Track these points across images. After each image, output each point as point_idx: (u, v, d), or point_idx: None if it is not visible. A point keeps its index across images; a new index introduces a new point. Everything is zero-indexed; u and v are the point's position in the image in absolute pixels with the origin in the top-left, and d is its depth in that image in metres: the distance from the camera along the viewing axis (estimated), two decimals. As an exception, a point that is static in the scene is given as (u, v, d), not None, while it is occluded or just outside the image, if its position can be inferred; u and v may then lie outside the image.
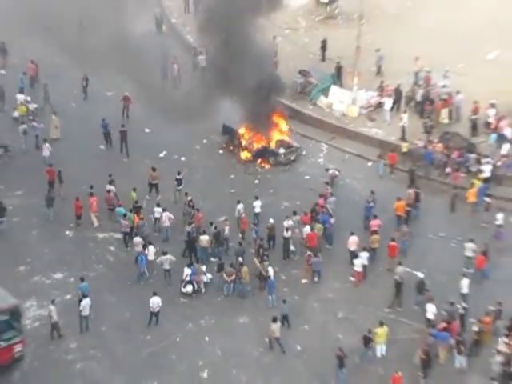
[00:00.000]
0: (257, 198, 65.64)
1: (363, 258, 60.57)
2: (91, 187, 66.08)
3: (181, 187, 66.91)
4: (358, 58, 79.53)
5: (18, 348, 46.97)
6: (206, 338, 57.00)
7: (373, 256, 61.96)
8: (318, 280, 61.51)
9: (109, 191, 65.93)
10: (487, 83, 76.17)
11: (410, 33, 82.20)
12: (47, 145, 70.05)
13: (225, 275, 59.65)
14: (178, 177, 67.23)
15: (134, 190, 65.92)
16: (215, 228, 62.52)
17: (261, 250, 61.85)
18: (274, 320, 55.34)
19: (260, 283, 59.99)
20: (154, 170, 68.54)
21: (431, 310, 56.46)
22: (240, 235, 63.83)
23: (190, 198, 65.91)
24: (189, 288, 59.46)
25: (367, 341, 54.67)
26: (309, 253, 61.79)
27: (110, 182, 66.23)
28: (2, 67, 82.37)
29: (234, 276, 59.74)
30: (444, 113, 74.55)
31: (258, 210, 65.22)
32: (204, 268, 60.47)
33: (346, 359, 52.39)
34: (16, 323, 47.42)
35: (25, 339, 48.99)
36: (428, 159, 70.46)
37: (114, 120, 74.19)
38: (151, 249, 60.63)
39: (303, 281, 61.37)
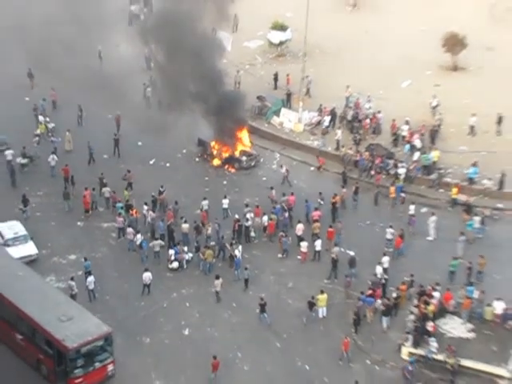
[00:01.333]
0: (225, 197, 65.60)
1: (317, 245, 61.05)
2: (93, 189, 66.22)
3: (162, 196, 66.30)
4: (288, 85, 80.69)
5: (110, 367, 46.59)
6: (187, 304, 57.40)
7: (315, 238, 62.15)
8: (282, 256, 61.97)
9: (114, 192, 66.09)
10: (402, 105, 76.54)
11: (342, 67, 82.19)
12: (53, 156, 69.89)
13: (201, 254, 59.94)
14: (160, 189, 66.52)
15: (126, 189, 66.25)
16: (185, 221, 62.69)
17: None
18: (217, 277, 57.19)
19: (230, 261, 60.20)
20: (128, 171, 68.50)
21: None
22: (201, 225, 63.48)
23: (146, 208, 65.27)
24: (174, 264, 59.92)
25: (311, 305, 55.31)
26: (281, 233, 62.37)
27: (105, 185, 66.71)
28: (30, 89, 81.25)
29: (207, 254, 59.89)
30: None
31: (225, 206, 65.38)
32: (186, 248, 60.73)
33: (265, 306, 54.74)
34: (108, 347, 46.81)
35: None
36: (361, 165, 70.95)
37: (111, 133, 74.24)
38: (138, 236, 60.85)
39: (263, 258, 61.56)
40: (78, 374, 44.13)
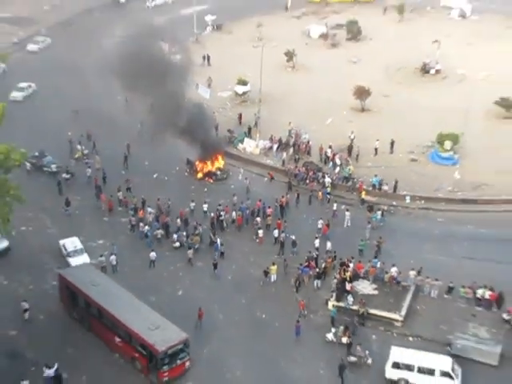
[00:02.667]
0: (205, 202, 65.09)
1: (275, 233, 61.30)
2: (111, 196, 66.04)
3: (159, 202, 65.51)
4: (240, 124, 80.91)
5: (187, 363, 46.68)
6: (180, 274, 57.95)
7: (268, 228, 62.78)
8: (255, 238, 62.16)
9: (125, 197, 66.34)
10: (327, 135, 75.91)
11: (286, 109, 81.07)
12: (88, 170, 69.56)
13: (189, 240, 60.50)
14: (169, 201, 65.67)
15: (134, 197, 65.85)
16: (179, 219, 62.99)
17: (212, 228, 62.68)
18: (189, 248, 59.38)
19: (210, 245, 60.51)
20: (128, 180, 68.11)
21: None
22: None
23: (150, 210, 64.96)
24: (177, 244, 60.49)
25: (266, 273, 56.38)
26: (256, 221, 63.31)
27: (119, 190, 66.31)
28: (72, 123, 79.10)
29: (195, 239, 60.31)
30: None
31: (205, 209, 64.77)
32: (184, 233, 61.28)
33: (217, 265, 57.04)
34: (186, 348, 46.50)
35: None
36: (300, 176, 70.85)
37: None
38: (146, 228, 61.24)
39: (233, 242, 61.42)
40: (165, 369, 45.03)
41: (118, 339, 47.77)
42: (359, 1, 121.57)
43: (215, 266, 58.34)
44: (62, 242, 59.01)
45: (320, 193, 68.60)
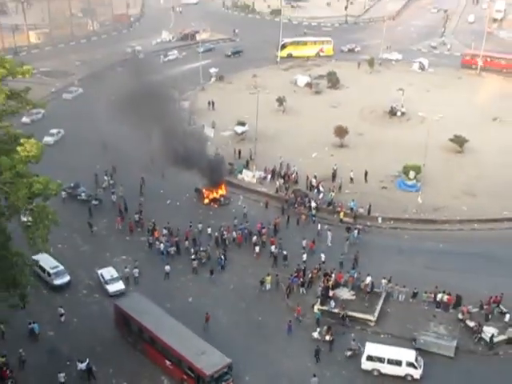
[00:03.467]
0: (209, 226, 64.54)
1: (272, 248, 61.14)
2: (130, 219, 66.13)
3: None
4: (239, 158, 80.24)
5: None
6: (190, 284, 58.05)
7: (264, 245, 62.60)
8: (253, 254, 61.89)
9: (141, 219, 66.36)
10: (312, 167, 75.96)
11: (278, 145, 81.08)
12: (113, 196, 69.66)
13: (198, 255, 60.42)
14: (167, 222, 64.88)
15: (149, 220, 65.31)
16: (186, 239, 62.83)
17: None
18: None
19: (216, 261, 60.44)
20: (140, 204, 68.21)
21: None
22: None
23: (165, 231, 64.03)
24: (194, 263, 59.64)
25: (261, 282, 56.64)
26: (253, 240, 62.68)
27: (136, 213, 66.34)
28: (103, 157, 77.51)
29: (202, 255, 60.25)
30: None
31: (209, 231, 64.10)
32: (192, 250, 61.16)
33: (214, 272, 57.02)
34: (230, 371, 45.08)
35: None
36: (290, 201, 69.91)
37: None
38: (162, 246, 61.19)
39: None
40: None
41: (168, 362, 46.75)
42: (321, 55, 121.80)
43: (211, 272, 58.68)
44: (99, 271, 57.64)
45: (304, 216, 68.13)
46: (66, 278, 56.56)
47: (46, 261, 56.46)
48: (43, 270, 56.10)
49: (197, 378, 44.23)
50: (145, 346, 48.69)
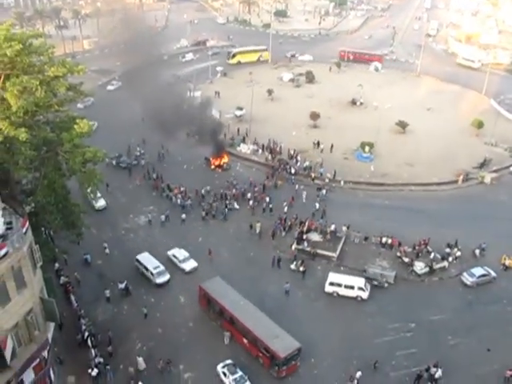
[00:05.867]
0: (209, 191, 63.43)
1: (267, 201, 60.77)
2: (155, 178, 66.13)
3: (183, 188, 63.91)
4: (238, 134, 78.35)
5: (298, 363, 41.33)
6: (200, 228, 58.03)
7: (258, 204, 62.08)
8: (247, 207, 60.84)
9: (157, 178, 65.71)
10: (292, 142, 75.34)
11: (268, 125, 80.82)
12: (142, 162, 69.42)
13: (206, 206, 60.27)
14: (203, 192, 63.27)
15: (169, 185, 64.31)
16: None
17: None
18: (203, 210, 58.40)
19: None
20: (157, 177, 66.24)
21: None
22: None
23: (182, 189, 63.06)
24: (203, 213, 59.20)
25: (251, 226, 56.36)
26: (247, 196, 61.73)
27: (169, 186, 64.19)
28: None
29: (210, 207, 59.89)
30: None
31: (208, 189, 63.37)
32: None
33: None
34: (298, 353, 40.95)
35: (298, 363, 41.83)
36: (275, 167, 69.28)
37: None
38: (179, 201, 60.74)
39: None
40: (283, 369, 40.36)
41: (245, 340, 42.70)
42: (261, 60, 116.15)
43: (207, 213, 58.65)
44: (170, 252, 52.50)
45: (281, 179, 67.21)
46: (167, 277, 49.55)
47: (149, 260, 50.44)
48: (146, 268, 49.83)
49: (271, 358, 40.88)
50: (225, 323, 44.50)
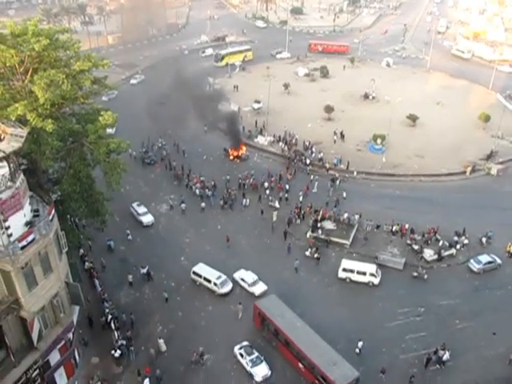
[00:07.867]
0: (229, 180, 62.90)
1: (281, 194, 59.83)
2: (175, 168, 65.19)
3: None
4: (255, 126, 77.53)
5: None
6: (219, 216, 57.34)
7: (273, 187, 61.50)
8: (265, 196, 60.02)
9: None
10: (308, 134, 74.54)
11: (283, 118, 79.70)
12: (165, 152, 68.65)
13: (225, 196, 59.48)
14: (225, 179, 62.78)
15: (189, 172, 64.01)
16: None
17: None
18: (221, 199, 57.78)
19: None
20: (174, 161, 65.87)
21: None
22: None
23: (202, 178, 62.11)
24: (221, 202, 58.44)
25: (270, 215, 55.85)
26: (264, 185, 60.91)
27: (190, 172, 63.99)
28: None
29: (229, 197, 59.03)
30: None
31: (228, 178, 62.59)
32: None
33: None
34: (357, 383, 36.00)
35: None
36: (291, 158, 68.35)
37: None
38: (197, 191, 60.35)
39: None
40: None
41: (301, 365, 38.21)
42: (246, 60, 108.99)
43: (225, 202, 57.84)
44: (237, 275, 47.34)
45: (293, 169, 66.07)
46: (230, 286, 46.00)
47: (208, 271, 46.63)
48: (208, 280, 45.89)
49: None
50: (280, 345, 40.12)
